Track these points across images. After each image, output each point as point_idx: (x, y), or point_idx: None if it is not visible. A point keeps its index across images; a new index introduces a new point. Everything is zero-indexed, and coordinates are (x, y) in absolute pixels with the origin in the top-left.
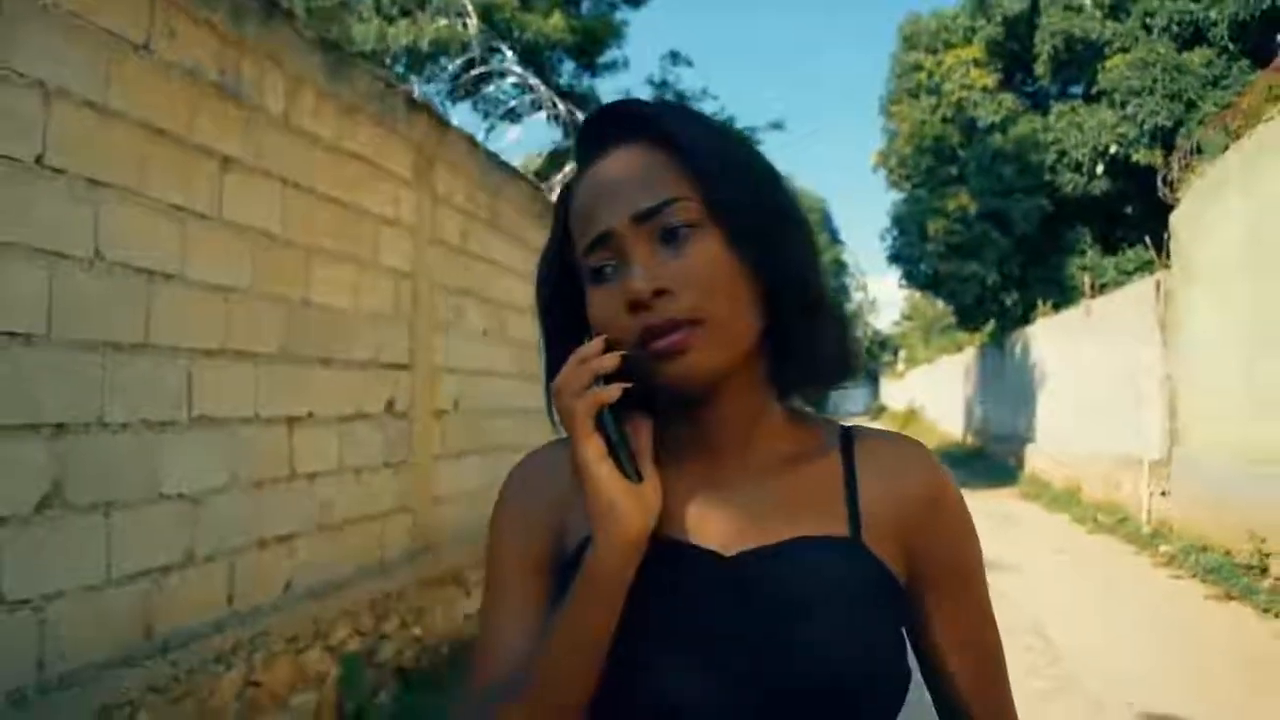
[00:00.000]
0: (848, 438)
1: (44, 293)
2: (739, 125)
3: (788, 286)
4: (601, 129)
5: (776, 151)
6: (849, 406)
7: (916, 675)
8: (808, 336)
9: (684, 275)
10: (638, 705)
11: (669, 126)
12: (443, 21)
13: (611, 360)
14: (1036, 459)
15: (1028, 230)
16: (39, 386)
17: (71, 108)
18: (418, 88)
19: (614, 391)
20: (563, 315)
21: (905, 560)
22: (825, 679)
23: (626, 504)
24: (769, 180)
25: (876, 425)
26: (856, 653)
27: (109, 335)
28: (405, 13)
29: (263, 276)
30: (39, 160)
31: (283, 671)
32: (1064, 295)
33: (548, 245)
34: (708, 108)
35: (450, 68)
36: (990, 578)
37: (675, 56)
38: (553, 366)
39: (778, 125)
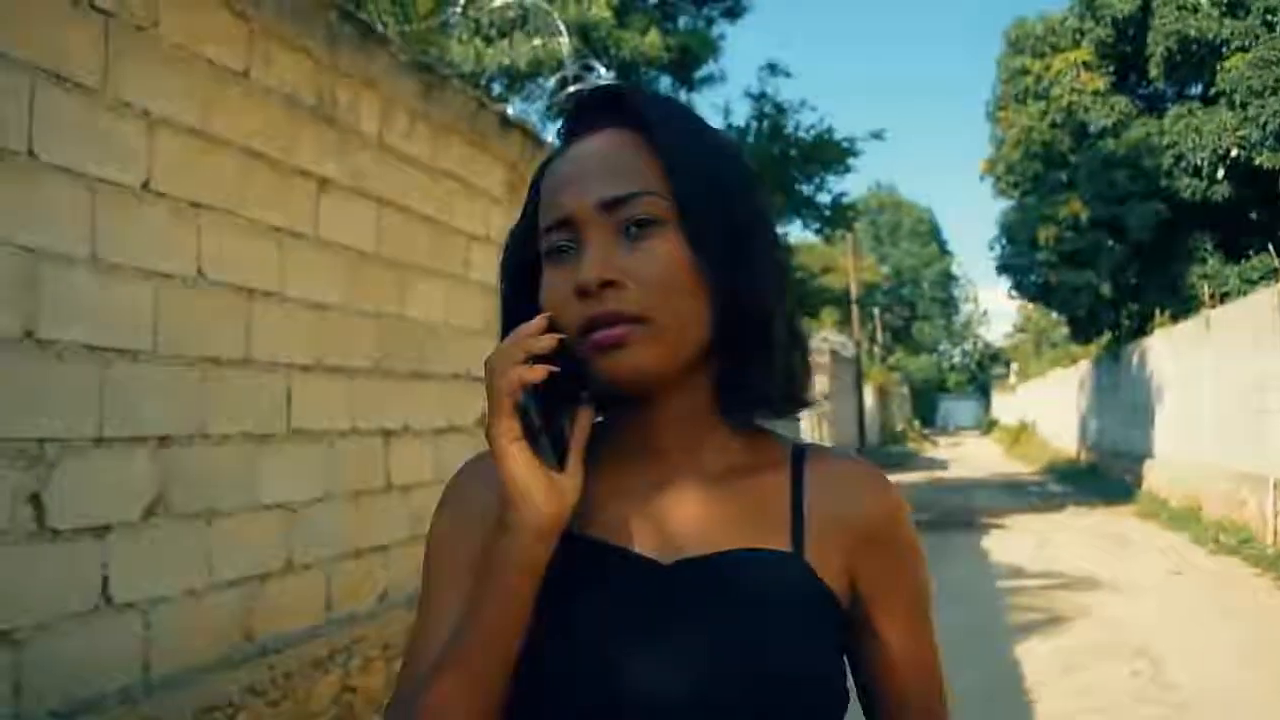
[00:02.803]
0: (799, 455)
1: (149, 311)
2: (838, 135)
3: (745, 301)
4: (587, 111)
5: (879, 159)
6: (959, 419)
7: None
8: (758, 358)
9: (637, 270)
10: (569, 711)
11: (650, 117)
12: (538, 41)
13: (547, 341)
14: (1154, 476)
15: (1143, 238)
16: (145, 400)
17: (174, 134)
18: (515, 107)
19: (538, 372)
20: (522, 294)
21: (848, 580)
22: (755, 692)
23: (538, 489)
24: (746, 188)
25: (988, 440)
26: (788, 667)
27: (211, 351)
28: (502, 34)
29: (358, 293)
30: (145, 185)
31: (378, 678)
32: (1183, 305)
33: (518, 221)
34: (807, 119)
35: (547, 86)
36: (1099, 598)
37: (773, 68)
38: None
39: (878, 135)
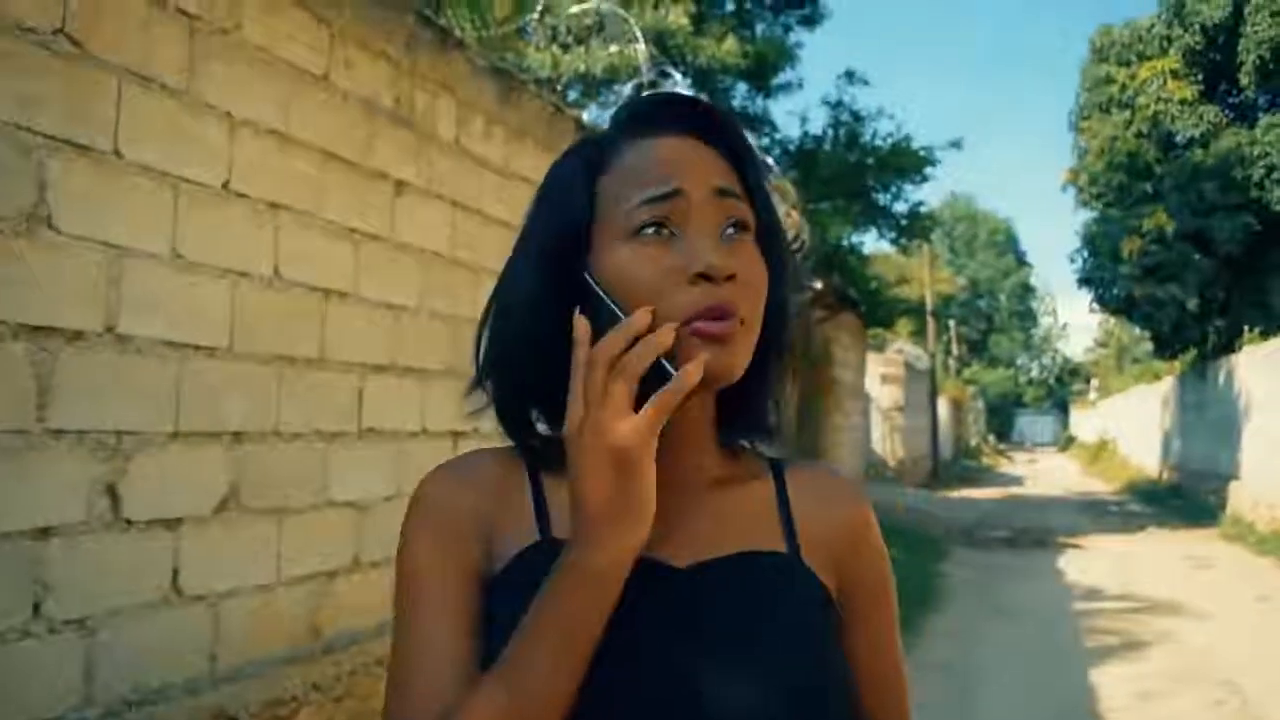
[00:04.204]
0: (777, 465)
1: (227, 309)
2: (916, 144)
3: (781, 329)
4: (672, 114)
5: (957, 171)
6: (1036, 435)
7: None
8: (772, 384)
9: (744, 270)
10: None
11: (731, 134)
12: (614, 48)
13: (668, 337)
14: (1240, 498)
15: (1232, 251)
16: (220, 396)
17: (255, 136)
18: (591, 113)
19: (696, 375)
20: (564, 264)
21: (835, 582)
22: (786, 693)
23: (652, 502)
24: (783, 225)
25: (1065, 457)
26: (814, 668)
27: (286, 350)
28: (579, 41)
29: (432, 295)
30: (225, 185)
31: None
32: (1273, 321)
33: (571, 188)
34: (884, 127)
35: (623, 93)
36: (1181, 624)
37: (850, 76)
38: (534, 321)
39: (956, 144)
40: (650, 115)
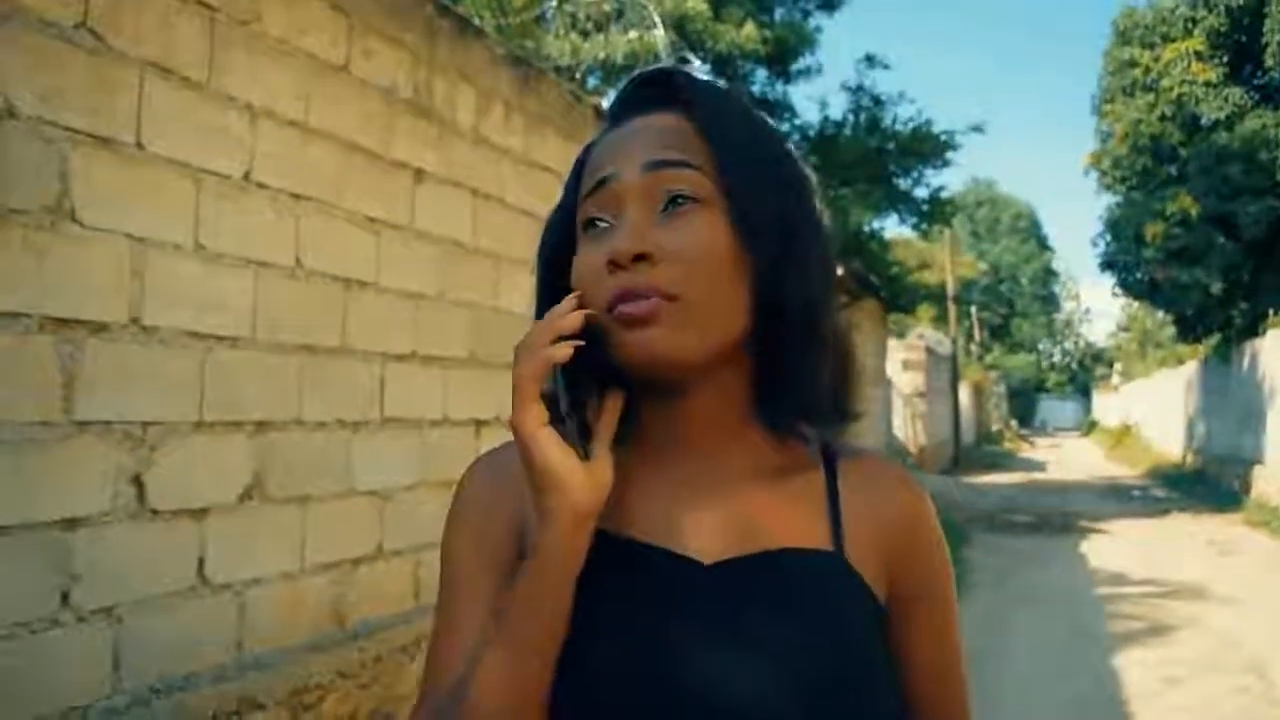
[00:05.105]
0: (829, 454)
1: (250, 299)
2: (937, 128)
3: (792, 299)
4: (638, 95)
5: (978, 155)
6: (1058, 420)
7: None
8: (801, 361)
9: (674, 245)
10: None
11: (699, 99)
12: (634, 34)
13: (573, 320)
14: (1264, 482)
15: (1257, 234)
16: (243, 386)
17: (276, 127)
18: (611, 100)
19: (564, 350)
20: (559, 278)
21: (885, 579)
22: (818, 700)
23: (569, 473)
24: (798, 184)
25: (1088, 441)
26: (848, 673)
27: (308, 339)
28: (598, 28)
29: (452, 284)
30: (247, 176)
31: None
32: None
33: (558, 204)
34: (904, 111)
35: None
36: (1205, 608)
37: (871, 60)
38: None
39: (977, 128)
40: (625, 102)
